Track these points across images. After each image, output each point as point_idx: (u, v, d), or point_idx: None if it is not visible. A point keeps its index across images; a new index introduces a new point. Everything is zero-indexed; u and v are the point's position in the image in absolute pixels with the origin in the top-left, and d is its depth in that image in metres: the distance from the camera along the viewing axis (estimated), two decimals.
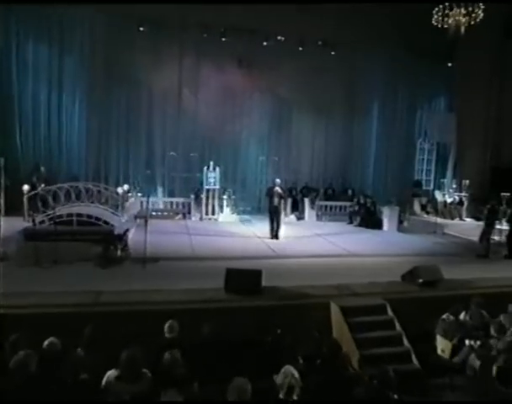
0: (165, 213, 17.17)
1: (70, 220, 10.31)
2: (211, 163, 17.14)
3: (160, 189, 18.24)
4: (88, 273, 9.04)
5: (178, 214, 17.28)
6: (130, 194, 14.67)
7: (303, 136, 19.98)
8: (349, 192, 19.64)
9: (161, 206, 17.44)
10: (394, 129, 20.69)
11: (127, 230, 11.16)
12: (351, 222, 17.72)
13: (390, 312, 8.12)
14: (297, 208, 18.62)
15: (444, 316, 7.65)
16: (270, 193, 13.69)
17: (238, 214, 17.64)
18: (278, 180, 14.00)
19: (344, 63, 18.85)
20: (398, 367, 5.91)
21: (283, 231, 13.93)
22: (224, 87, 18.16)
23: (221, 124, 18.37)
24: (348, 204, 18.51)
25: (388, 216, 16.80)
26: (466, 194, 18.96)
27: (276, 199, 13.48)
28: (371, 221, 16.94)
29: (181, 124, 18.28)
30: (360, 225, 17.26)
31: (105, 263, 9.55)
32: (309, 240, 13.97)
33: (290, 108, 19.58)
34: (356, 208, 17.83)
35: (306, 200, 18.16)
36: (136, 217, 13.41)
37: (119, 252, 10.16)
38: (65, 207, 10.97)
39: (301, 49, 18.28)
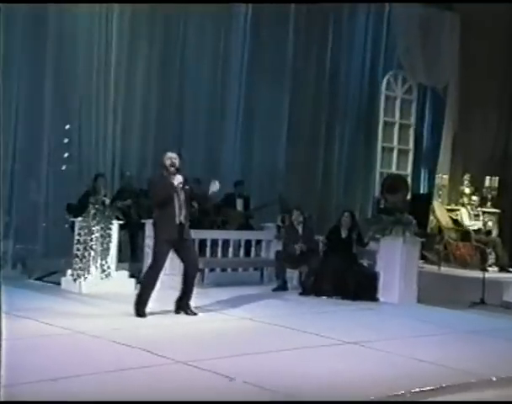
0: None
1: None
2: None
3: None
4: None
5: None
6: None
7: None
8: (239, 203, 8.38)
9: None
10: (304, 50, 9.36)
11: None
12: (283, 287, 7.39)
13: None
14: (135, 253, 7.58)
15: None
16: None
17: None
18: None
19: None
20: None
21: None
22: None
23: None
24: (256, 235, 8.10)
25: (398, 267, 6.84)
26: (496, 210, 9.10)
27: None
28: (358, 285, 6.90)
29: None
30: (310, 292, 7.28)
31: None
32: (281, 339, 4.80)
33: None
34: (297, 249, 7.67)
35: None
36: None
37: None
38: None
39: None
